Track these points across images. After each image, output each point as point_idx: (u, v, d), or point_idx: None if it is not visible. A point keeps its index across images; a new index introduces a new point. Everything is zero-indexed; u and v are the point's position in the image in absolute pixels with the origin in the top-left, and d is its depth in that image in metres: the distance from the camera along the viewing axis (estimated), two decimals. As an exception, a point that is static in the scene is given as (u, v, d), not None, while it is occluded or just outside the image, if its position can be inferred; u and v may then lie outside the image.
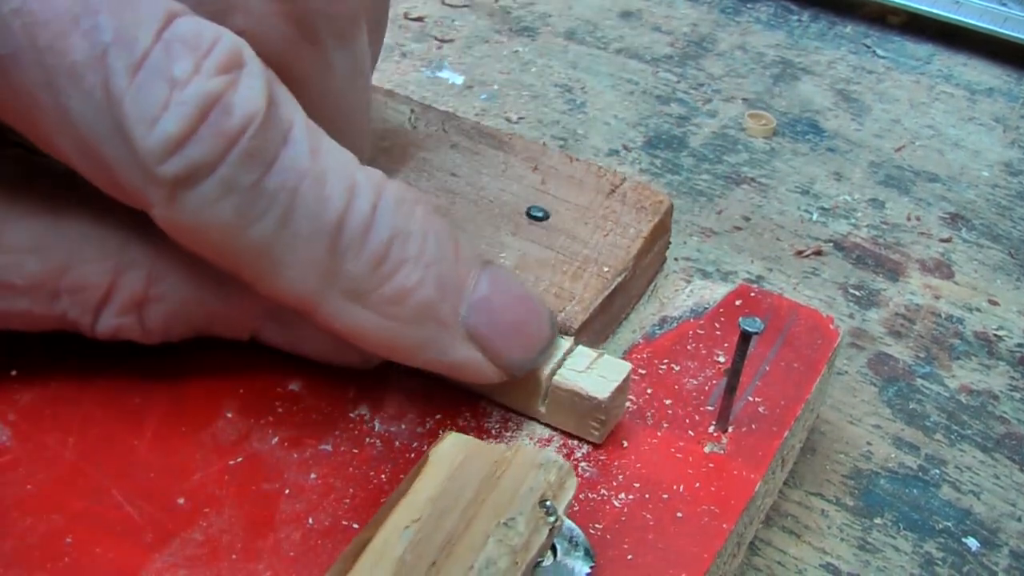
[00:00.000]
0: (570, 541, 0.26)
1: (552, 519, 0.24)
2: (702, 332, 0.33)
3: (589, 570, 0.26)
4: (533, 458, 0.25)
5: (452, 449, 0.26)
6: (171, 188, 0.24)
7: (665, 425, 0.30)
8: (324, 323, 0.27)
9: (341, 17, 0.28)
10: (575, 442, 0.29)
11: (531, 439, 0.30)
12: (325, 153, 0.26)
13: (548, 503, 0.24)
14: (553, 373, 0.29)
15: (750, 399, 0.31)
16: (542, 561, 0.25)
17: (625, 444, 0.29)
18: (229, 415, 0.29)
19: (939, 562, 0.33)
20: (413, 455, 0.29)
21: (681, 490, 0.28)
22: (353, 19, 0.29)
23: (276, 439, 0.29)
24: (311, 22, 0.27)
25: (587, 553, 0.26)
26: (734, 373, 0.29)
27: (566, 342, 0.30)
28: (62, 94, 0.23)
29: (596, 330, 0.32)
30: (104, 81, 0.23)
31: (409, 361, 0.28)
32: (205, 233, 0.25)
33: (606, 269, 0.33)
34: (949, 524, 0.34)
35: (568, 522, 0.26)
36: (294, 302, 0.26)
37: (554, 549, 0.26)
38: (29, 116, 0.24)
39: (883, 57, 0.60)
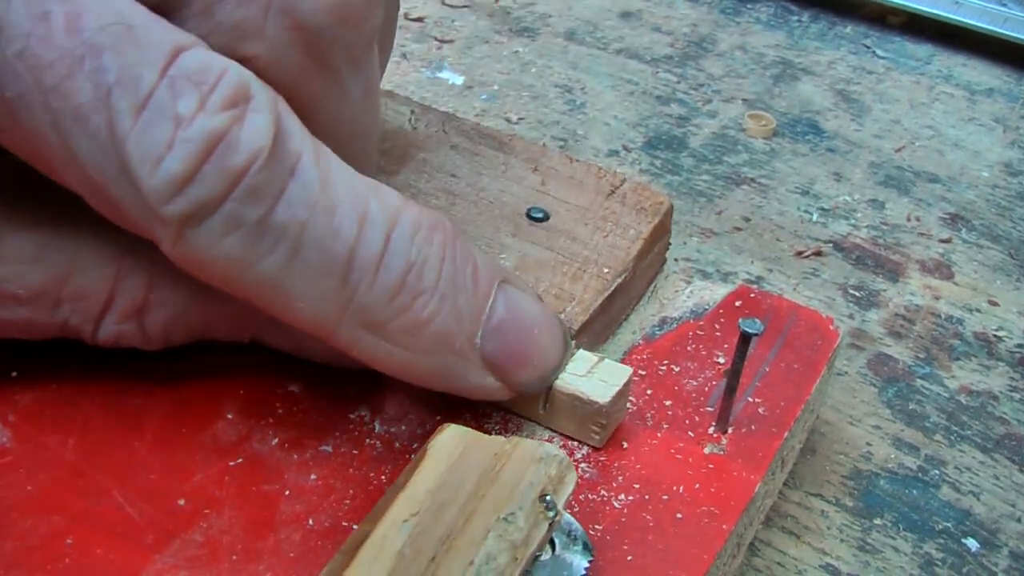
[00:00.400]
0: (568, 535, 0.26)
1: (552, 514, 0.24)
2: (702, 333, 0.33)
3: (588, 564, 0.26)
4: (533, 452, 0.25)
5: (451, 441, 0.26)
6: (177, 226, 0.24)
7: (665, 426, 0.30)
8: (341, 349, 0.27)
9: (355, 43, 0.28)
10: (575, 443, 0.29)
11: (531, 440, 0.30)
12: (336, 183, 0.25)
13: (548, 497, 0.24)
14: (553, 376, 0.29)
15: (750, 400, 0.31)
16: (540, 555, 0.25)
17: (625, 445, 0.29)
18: (229, 416, 0.29)
19: (939, 563, 0.33)
20: (413, 456, 0.29)
21: (681, 491, 0.28)
22: (367, 44, 0.29)
23: (276, 440, 0.29)
24: (325, 49, 0.27)
25: (586, 547, 0.26)
26: (734, 374, 0.29)
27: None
28: (68, 135, 0.23)
29: (596, 331, 0.33)
30: (109, 122, 0.23)
31: (423, 384, 0.28)
32: (214, 268, 0.25)
33: (606, 270, 0.33)
34: (949, 525, 0.34)
35: (567, 516, 0.26)
36: (310, 330, 0.26)
37: (552, 544, 0.26)
38: (39, 155, 0.24)
39: (883, 57, 0.60)
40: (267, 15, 0.26)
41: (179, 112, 0.23)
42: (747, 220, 0.47)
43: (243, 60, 0.25)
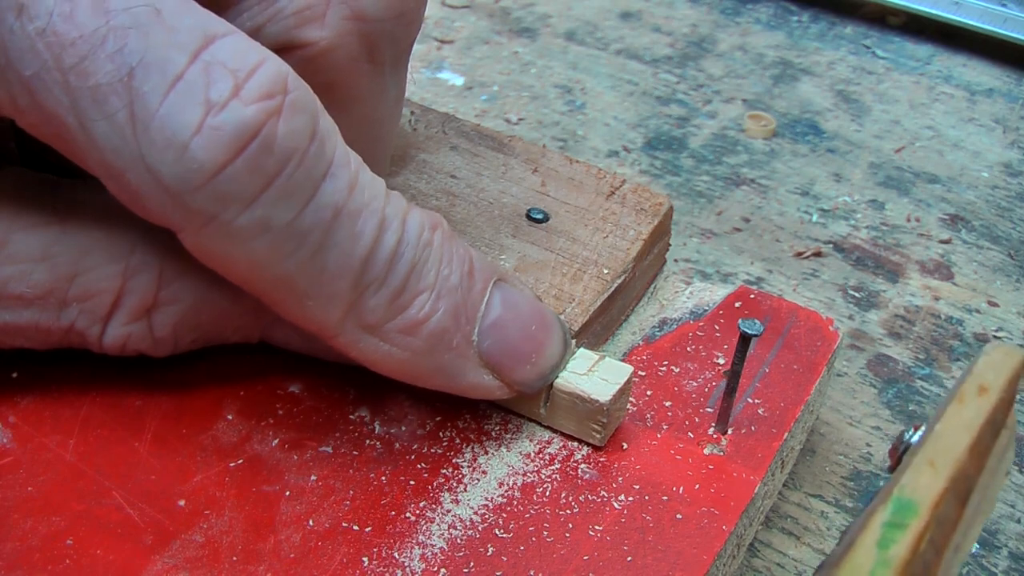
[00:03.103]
0: None
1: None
2: (702, 334, 0.33)
3: None
4: None
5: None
6: (201, 219, 0.23)
7: (665, 427, 0.30)
8: (340, 349, 0.27)
9: (403, 40, 0.28)
10: (575, 444, 0.29)
11: (531, 440, 0.30)
12: (361, 187, 0.25)
13: None
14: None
15: (750, 401, 0.31)
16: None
17: (625, 446, 0.29)
18: (229, 417, 0.29)
19: (938, 563, 0.33)
20: (413, 457, 0.29)
21: (681, 492, 0.28)
22: (410, 44, 0.29)
23: (276, 441, 0.29)
24: (377, 41, 0.27)
25: None
26: (734, 375, 0.29)
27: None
28: (86, 117, 0.23)
29: (596, 332, 0.33)
30: (129, 104, 0.22)
31: (422, 384, 0.28)
32: (234, 265, 0.25)
33: (606, 271, 0.33)
34: (948, 525, 0.34)
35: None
36: (312, 330, 0.26)
37: None
38: (59, 137, 0.24)
39: (883, 58, 0.60)
40: (330, 3, 0.26)
41: (210, 97, 0.22)
42: (747, 221, 0.47)
43: (301, 46, 0.26)
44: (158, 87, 0.22)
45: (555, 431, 0.30)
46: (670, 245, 0.37)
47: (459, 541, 0.27)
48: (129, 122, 0.22)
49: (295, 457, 0.28)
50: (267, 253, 0.24)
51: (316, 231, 0.24)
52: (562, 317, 0.31)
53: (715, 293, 0.35)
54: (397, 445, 0.29)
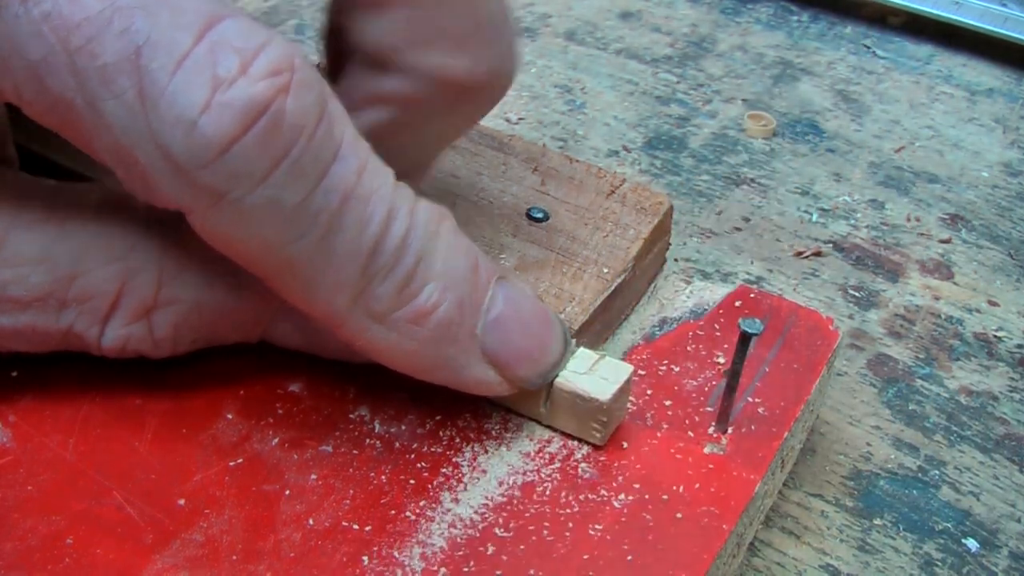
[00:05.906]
0: None
1: None
2: (702, 333, 0.33)
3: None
4: None
5: None
6: (211, 198, 0.23)
7: (665, 426, 0.30)
8: (346, 339, 0.27)
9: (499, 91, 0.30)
10: (575, 443, 0.29)
11: (531, 439, 0.30)
12: (370, 174, 0.25)
13: None
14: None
15: (750, 400, 0.31)
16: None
17: (625, 445, 0.29)
18: (229, 416, 0.29)
19: (939, 563, 0.33)
20: (413, 456, 0.29)
21: (681, 491, 0.28)
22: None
23: (276, 440, 0.29)
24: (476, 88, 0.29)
25: None
26: (734, 374, 0.29)
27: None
28: (95, 98, 0.23)
29: (596, 331, 0.33)
30: (138, 83, 0.22)
31: (425, 378, 0.28)
32: (242, 247, 0.25)
33: (606, 270, 0.33)
34: (949, 525, 0.34)
35: None
36: (320, 317, 0.26)
37: None
38: (68, 122, 0.24)
39: (883, 58, 0.60)
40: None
41: (218, 74, 0.22)
42: (747, 220, 0.47)
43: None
44: (166, 65, 0.22)
45: (555, 430, 0.30)
46: (670, 244, 0.37)
47: (459, 540, 0.27)
48: (138, 100, 0.22)
49: (295, 456, 0.28)
50: (276, 235, 0.24)
51: (325, 214, 0.24)
52: (562, 316, 0.31)
53: (715, 292, 0.35)
54: (397, 444, 0.29)
